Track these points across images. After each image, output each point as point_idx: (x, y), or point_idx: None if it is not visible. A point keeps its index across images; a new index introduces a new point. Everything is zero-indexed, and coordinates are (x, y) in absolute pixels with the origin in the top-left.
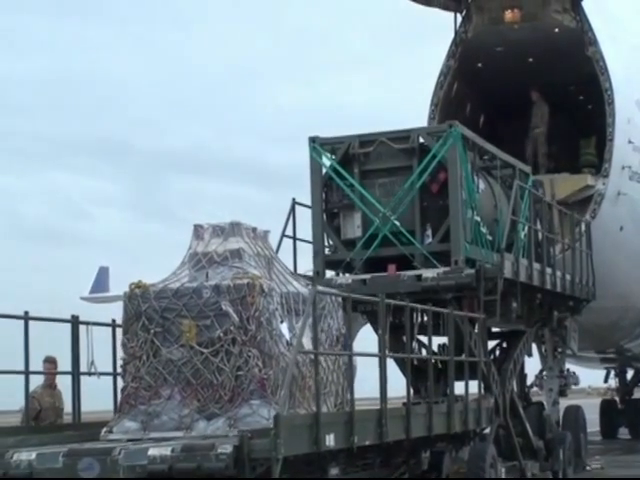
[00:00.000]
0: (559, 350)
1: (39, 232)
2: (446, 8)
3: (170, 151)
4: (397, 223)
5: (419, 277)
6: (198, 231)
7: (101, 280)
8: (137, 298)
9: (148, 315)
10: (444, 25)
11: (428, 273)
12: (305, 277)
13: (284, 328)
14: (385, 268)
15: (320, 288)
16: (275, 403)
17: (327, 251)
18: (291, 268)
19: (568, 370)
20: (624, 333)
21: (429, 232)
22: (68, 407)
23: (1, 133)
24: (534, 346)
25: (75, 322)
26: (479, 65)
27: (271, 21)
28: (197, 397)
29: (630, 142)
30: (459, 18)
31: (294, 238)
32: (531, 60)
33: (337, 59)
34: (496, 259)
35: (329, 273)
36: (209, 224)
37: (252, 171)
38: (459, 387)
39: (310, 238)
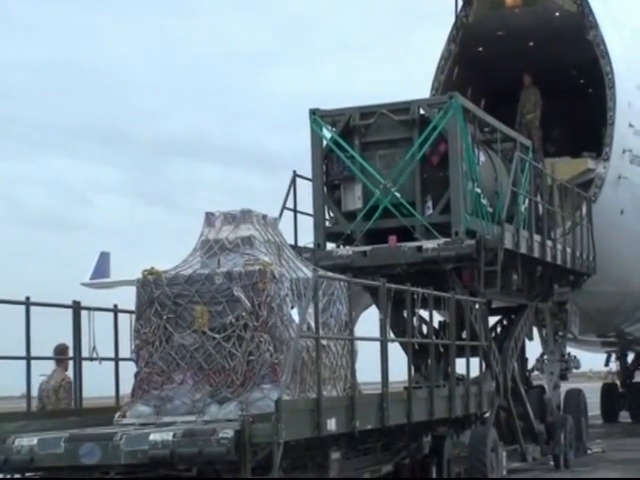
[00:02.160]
0: (560, 334)
1: (39, 218)
2: None
3: (170, 137)
4: (397, 195)
5: (420, 248)
6: (209, 218)
7: (102, 266)
8: (150, 284)
9: (161, 301)
10: (445, 9)
11: (429, 244)
12: (305, 249)
13: (294, 314)
14: (386, 240)
15: (321, 273)
16: (286, 387)
17: (328, 223)
18: (292, 241)
19: (569, 354)
20: (625, 317)
21: (429, 203)
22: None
23: (1, 119)
24: (535, 330)
25: (77, 308)
26: (480, 49)
27: (271, 7)
28: (209, 382)
29: (631, 126)
30: (460, 2)
31: (295, 211)
32: (532, 44)
33: (337, 44)
34: (496, 231)
35: (330, 245)
36: (220, 211)
37: (252, 157)
38: (460, 363)
39: (311, 211)
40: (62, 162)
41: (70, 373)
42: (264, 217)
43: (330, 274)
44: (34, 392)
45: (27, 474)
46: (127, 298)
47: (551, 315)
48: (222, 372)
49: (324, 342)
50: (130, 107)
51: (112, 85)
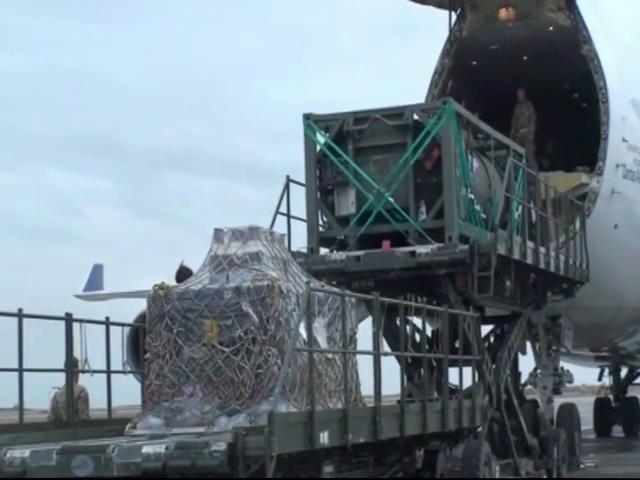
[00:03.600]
0: (553, 348)
1: (32, 229)
2: (440, 6)
3: (163, 148)
4: (391, 200)
5: (413, 253)
6: (218, 234)
7: (95, 278)
8: (160, 299)
9: (171, 315)
10: (438, 23)
11: (422, 249)
12: (299, 254)
13: (301, 328)
14: (379, 245)
15: (313, 286)
16: (294, 400)
17: (321, 228)
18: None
19: (562, 368)
20: (618, 331)
21: (423, 209)
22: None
23: None
24: (528, 345)
25: (69, 320)
26: (474, 63)
27: (264, 18)
28: (218, 394)
29: (624, 140)
30: (454, 16)
31: (288, 215)
32: (525, 58)
33: (330, 56)
34: (490, 237)
35: (323, 250)
36: (229, 228)
37: (245, 168)
38: (453, 372)
39: (304, 216)
40: (54, 173)
41: (81, 384)
42: (271, 233)
43: (325, 287)
44: (27, 404)
45: None
46: (120, 310)
47: (545, 329)
48: (231, 385)
49: (330, 356)
50: (122, 118)
51: (104, 96)
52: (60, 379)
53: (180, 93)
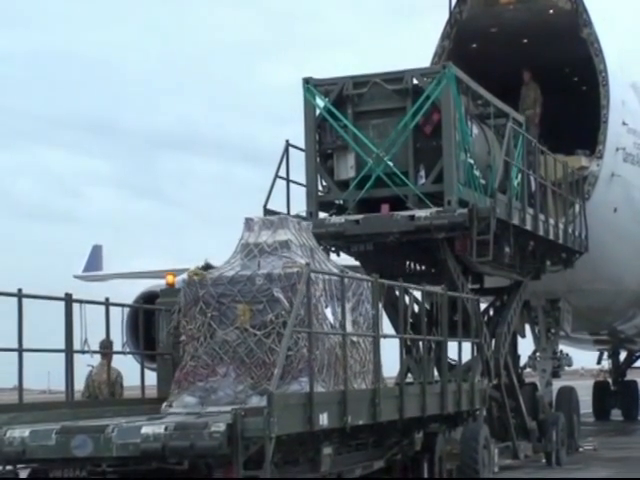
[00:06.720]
0: (552, 331)
1: (31, 210)
2: None
3: (161, 129)
4: (390, 164)
5: (412, 217)
6: (249, 223)
7: (94, 259)
8: (195, 284)
9: (205, 300)
10: (438, 6)
11: (421, 213)
12: (298, 217)
13: (328, 312)
14: (378, 209)
15: (313, 267)
16: (322, 380)
17: (320, 192)
18: (284, 210)
19: (561, 351)
20: (617, 315)
21: (422, 173)
22: None
23: None
24: (528, 328)
25: (69, 300)
26: (474, 46)
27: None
28: (251, 375)
29: (624, 124)
30: None
31: (287, 180)
32: (526, 41)
33: (328, 37)
34: (489, 201)
35: (322, 214)
36: (259, 217)
37: (242, 149)
38: (452, 346)
39: (303, 181)
40: (52, 154)
41: (114, 365)
42: (299, 223)
43: (321, 269)
44: (27, 385)
45: (19, 466)
46: (119, 291)
47: (544, 312)
48: (262, 366)
49: (354, 339)
50: (121, 99)
51: (103, 77)
52: (61, 361)
53: (177, 74)
